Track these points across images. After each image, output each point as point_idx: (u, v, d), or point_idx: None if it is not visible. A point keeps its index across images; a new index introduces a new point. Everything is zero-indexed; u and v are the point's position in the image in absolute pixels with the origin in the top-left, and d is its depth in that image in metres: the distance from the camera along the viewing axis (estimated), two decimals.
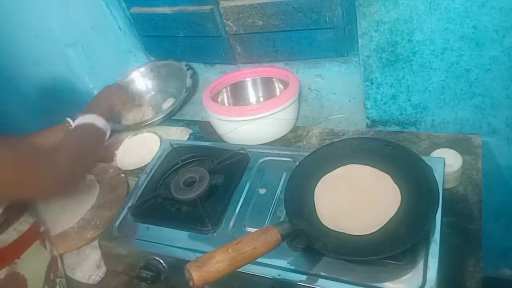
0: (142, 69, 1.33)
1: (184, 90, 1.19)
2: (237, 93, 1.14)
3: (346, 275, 0.62)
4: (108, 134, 0.91)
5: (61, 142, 0.83)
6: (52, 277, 0.79)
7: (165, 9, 1.18)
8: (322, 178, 0.74)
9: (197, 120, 1.16)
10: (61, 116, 0.94)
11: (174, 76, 1.28)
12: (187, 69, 1.24)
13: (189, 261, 0.54)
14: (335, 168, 0.75)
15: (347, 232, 0.65)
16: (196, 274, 0.52)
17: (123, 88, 1.16)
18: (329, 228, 0.66)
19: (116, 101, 1.03)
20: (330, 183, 0.74)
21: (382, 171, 0.72)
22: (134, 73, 1.33)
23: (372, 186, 0.71)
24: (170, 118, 1.18)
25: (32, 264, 0.75)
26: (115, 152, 1.05)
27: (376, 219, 0.65)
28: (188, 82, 1.20)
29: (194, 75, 1.22)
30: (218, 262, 0.53)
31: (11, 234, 0.72)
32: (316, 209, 0.70)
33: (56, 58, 1.22)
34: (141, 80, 1.33)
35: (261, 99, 1.14)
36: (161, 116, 1.15)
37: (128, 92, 1.20)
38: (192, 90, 1.18)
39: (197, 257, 0.54)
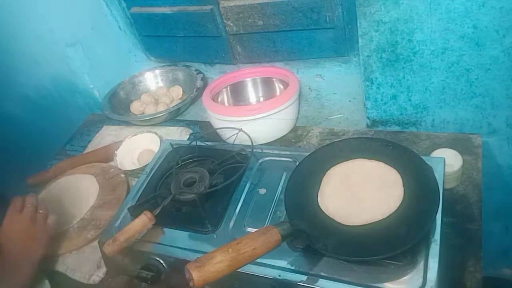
0: (150, 72, 1.33)
1: (194, 89, 1.20)
2: (237, 93, 1.14)
3: (346, 275, 0.62)
4: None
5: None
6: None
7: (165, 9, 1.18)
8: (322, 178, 0.74)
9: (197, 120, 1.16)
10: (61, 116, 0.93)
11: (183, 80, 1.30)
12: (197, 74, 1.25)
13: (189, 261, 0.54)
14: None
15: (347, 224, 0.65)
16: (196, 274, 0.52)
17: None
18: (330, 226, 0.66)
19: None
20: (330, 183, 0.73)
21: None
22: (147, 73, 1.33)
23: (374, 179, 0.70)
24: (173, 118, 1.19)
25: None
26: (115, 152, 1.05)
27: (378, 211, 0.65)
28: (199, 83, 1.21)
29: (204, 79, 1.24)
30: (218, 262, 0.53)
31: None
32: (316, 209, 0.70)
33: (56, 58, 1.22)
34: (152, 81, 1.34)
35: (261, 99, 1.14)
36: (168, 112, 1.15)
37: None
38: (201, 92, 1.18)
39: (197, 257, 0.54)
